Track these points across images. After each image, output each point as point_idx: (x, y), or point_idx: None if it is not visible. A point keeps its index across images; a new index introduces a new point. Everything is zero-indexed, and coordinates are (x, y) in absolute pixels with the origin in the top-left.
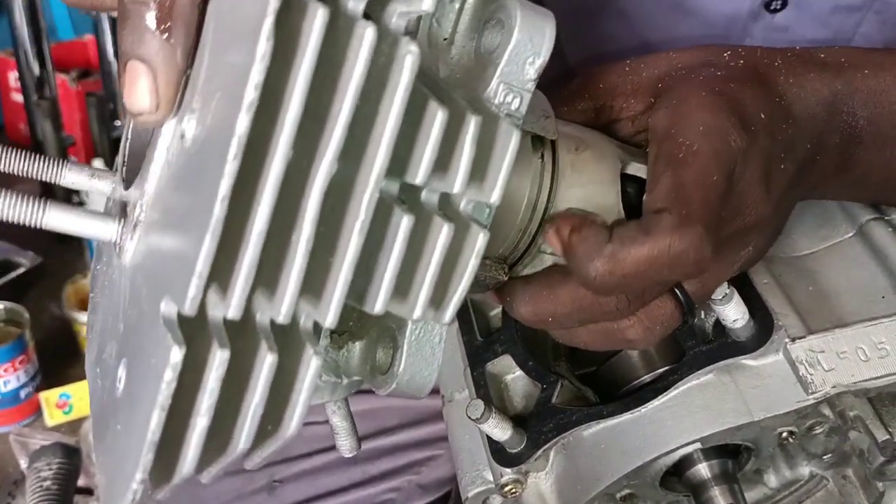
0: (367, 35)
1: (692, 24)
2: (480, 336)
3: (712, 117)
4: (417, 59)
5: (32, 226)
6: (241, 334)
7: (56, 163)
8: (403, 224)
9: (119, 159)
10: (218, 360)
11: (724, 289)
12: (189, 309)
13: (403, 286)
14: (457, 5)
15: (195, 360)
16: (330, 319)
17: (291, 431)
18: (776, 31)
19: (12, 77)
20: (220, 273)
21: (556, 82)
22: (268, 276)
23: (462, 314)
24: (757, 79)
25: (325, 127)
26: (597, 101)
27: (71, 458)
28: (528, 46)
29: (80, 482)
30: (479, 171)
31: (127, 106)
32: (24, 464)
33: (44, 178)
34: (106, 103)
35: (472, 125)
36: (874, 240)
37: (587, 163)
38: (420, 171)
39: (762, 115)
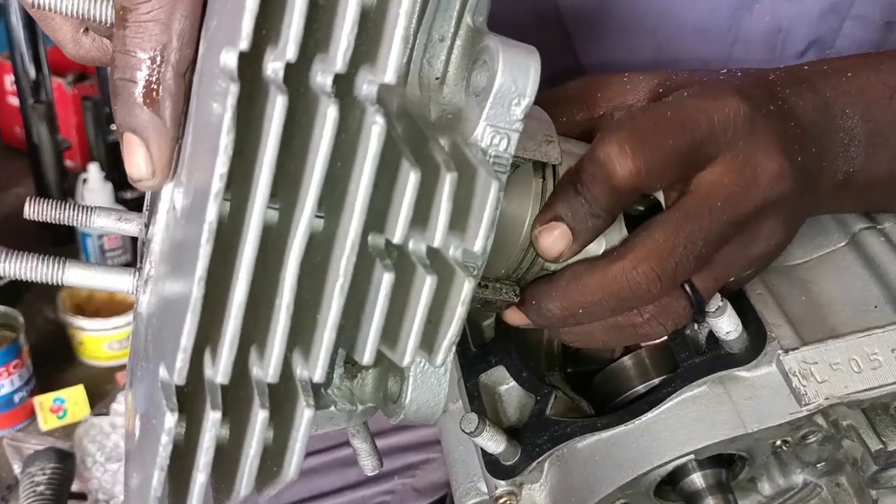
0: (329, 114)
1: (701, 7)
2: (474, 347)
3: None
4: (384, 130)
5: (53, 283)
6: (241, 388)
7: (85, 210)
8: (385, 281)
9: (145, 203)
10: (210, 421)
11: (717, 301)
12: (178, 379)
13: (392, 334)
14: (447, 44)
15: (196, 418)
16: (317, 376)
17: (291, 477)
18: (783, 1)
19: (8, 80)
20: (211, 339)
21: (554, 82)
22: (259, 335)
23: None
24: (756, 85)
25: (298, 198)
26: (594, 111)
27: (65, 462)
28: (512, 88)
29: (74, 487)
30: (459, 222)
31: (127, 173)
32: (17, 468)
33: (75, 224)
34: (102, 107)
35: (447, 183)
36: (866, 249)
37: None
38: (397, 231)
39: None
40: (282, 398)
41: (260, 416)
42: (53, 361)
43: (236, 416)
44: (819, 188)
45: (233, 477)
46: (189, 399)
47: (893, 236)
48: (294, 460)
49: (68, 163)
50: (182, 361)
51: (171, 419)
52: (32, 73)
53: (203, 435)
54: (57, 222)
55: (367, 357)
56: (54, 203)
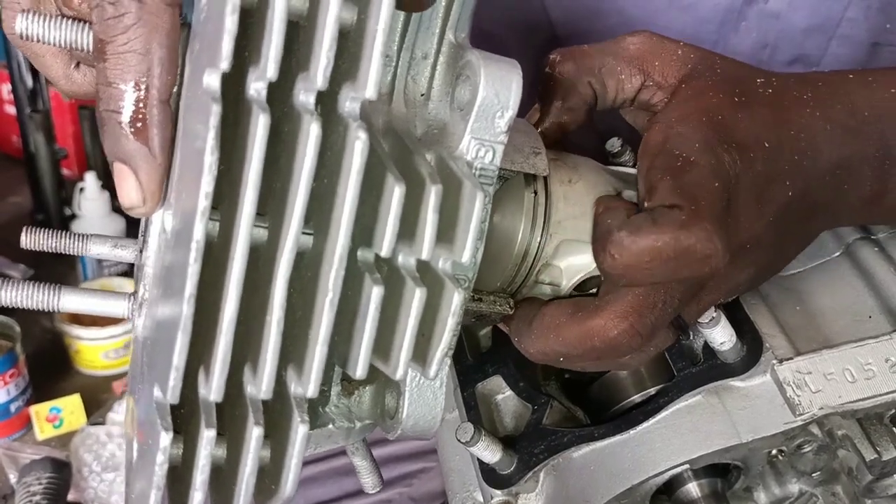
0: (312, 131)
1: (687, 20)
2: (471, 356)
3: (706, 139)
4: (366, 145)
5: (49, 310)
6: (237, 407)
7: (81, 238)
8: (374, 294)
9: (140, 229)
10: (205, 439)
11: (710, 312)
12: (171, 398)
13: (384, 348)
14: (430, 61)
15: (193, 440)
16: (311, 391)
17: (288, 494)
18: (769, 18)
19: (5, 89)
20: (204, 359)
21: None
22: (252, 354)
23: None
24: (776, 111)
25: (285, 213)
26: (648, 79)
27: (61, 472)
28: (494, 102)
29: (70, 497)
30: (447, 234)
31: (120, 201)
32: (13, 478)
33: (71, 253)
34: None
35: (432, 196)
36: (861, 259)
37: (580, 194)
38: (385, 244)
39: (766, 144)
40: (277, 416)
41: (255, 433)
42: (50, 371)
43: (233, 436)
44: (835, 210)
45: (230, 497)
46: (186, 422)
47: (888, 247)
48: (291, 477)
49: (65, 172)
50: (175, 380)
51: (165, 438)
52: (29, 81)
53: (199, 453)
54: (53, 251)
55: (359, 371)
56: (51, 232)
